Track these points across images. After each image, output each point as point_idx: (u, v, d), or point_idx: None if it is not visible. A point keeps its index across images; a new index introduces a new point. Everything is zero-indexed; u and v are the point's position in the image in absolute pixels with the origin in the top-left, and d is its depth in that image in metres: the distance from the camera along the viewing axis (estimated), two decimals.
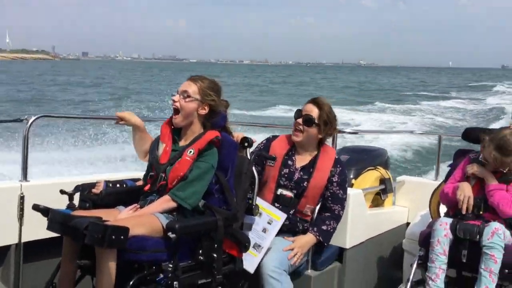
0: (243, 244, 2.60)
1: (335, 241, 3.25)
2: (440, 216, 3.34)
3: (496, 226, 2.77)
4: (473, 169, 3.08)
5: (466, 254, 2.80)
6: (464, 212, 2.98)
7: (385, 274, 3.92)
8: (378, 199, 4.16)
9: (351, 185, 3.94)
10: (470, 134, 3.37)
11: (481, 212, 3.00)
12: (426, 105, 30.47)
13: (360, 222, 3.54)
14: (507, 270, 2.75)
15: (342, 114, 22.64)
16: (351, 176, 4.23)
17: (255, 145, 3.07)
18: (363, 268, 3.67)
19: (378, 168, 4.18)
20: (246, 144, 2.82)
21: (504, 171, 3.01)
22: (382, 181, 4.08)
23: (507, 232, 2.85)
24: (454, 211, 3.11)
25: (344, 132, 3.89)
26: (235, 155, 2.64)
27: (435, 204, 3.50)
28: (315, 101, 3.10)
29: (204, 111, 2.59)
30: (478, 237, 2.78)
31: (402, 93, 42.61)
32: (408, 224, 4.10)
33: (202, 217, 2.45)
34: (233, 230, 2.55)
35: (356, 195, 3.48)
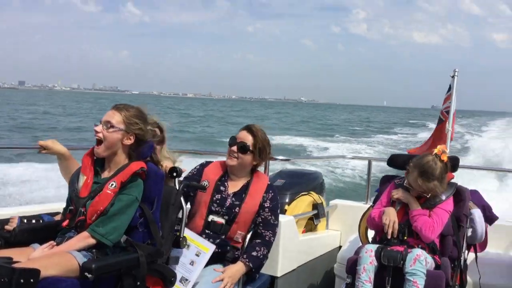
0: (169, 279, 2.51)
1: (266, 269, 3.22)
2: (368, 240, 3.42)
3: (418, 252, 2.85)
4: (398, 194, 3.18)
5: (390, 281, 2.86)
6: (389, 237, 3.05)
7: None
8: (311, 223, 4.20)
9: (284, 211, 3.95)
10: (395, 160, 3.48)
11: (405, 237, 3.09)
12: (381, 137, 34.28)
13: (292, 249, 3.55)
14: None
15: (313, 143, 26.61)
16: (286, 200, 4.26)
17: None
18: None
19: (311, 193, 4.23)
20: (174, 174, 2.75)
21: (428, 196, 3.12)
22: (315, 206, 4.13)
23: (429, 258, 2.94)
24: (380, 235, 3.18)
25: (276, 159, 3.92)
26: (162, 186, 2.56)
27: (364, 228, 3.58)
28: (249, 128, 3.09)
29: (129, 141, 2.50)
30: (401, 263, 2.85)
31: (354, 128, 46.60)
32: (340, 247, 4.16)
33: (122, 254, 2.34)
34: (158, 265, 2.46)
35: (288, 221, 3.49)
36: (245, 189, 3.07)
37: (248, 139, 3.04)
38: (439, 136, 4.57)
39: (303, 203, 4.07)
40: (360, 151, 23.69)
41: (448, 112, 4.38)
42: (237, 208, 3.00)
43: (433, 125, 4.51)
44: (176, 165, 2.90)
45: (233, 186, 3.09)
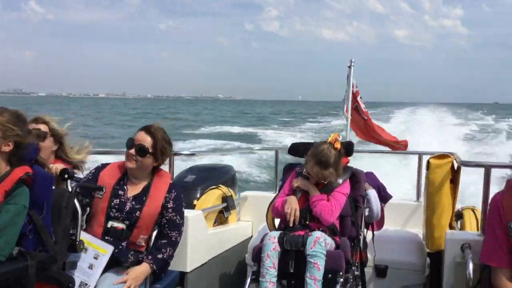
0: (66, 286, 2.41)
1: (175, 266, 3.20)
2: (276, 228, 3.51)
3: (317, 235, 2.97)
4: (297, 182, 3.29)
5: (293, 264, 2.96)
6: (291, 224, 3.16)
7: None
8: (222, 216, 4.23)
9: (193, 206, 3.95)
10: (296, 149, 3.59)
11: (307, 222, 3.21)
12: (309, 125, 36.92)
13: (201, 243, 3.56)
14: (330, 275, 2.96)
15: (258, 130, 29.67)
16: (198, 196, 4.25)
17: None
18: None
19: (220, 186, 4.26)
20: (66, 176, 2.64)
21: (325, 183, 3.26)
22: (224, 199, 4.17)
23: (329, 239, 3.08)
24: (284, 223, 3.28)
25: (181, 154, 3.89)
26: (50, 190, 2.45)
27: (271, 217, 3.66)
28: (147, 130, 2.98)
29: (8, 148, 2.35)
30: (302, 246, 2.96)
31: (283, 119, 48.95)
32: (252, 237, 4.24)
33: (9, 264, 2.21)
34: (53, 272, 2.36)
35: (196, 216, 3.49)
36: (145, 191, 2.98)
37: (147, 140, 2.93)
38: (357, 120, 4.88)
39: (212, 197, 4.09)
40: (301, 139, 25.02)
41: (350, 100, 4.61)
42: (138, 212, 2.92)
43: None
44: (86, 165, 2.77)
45: (133, 189, 2.99)
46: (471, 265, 2.72)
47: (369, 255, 3.63)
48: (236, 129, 34.59)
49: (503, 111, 76.65)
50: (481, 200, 2.98)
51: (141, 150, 2.91)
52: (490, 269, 2.52)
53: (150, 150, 2.93)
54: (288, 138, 26.22)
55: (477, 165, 3.10)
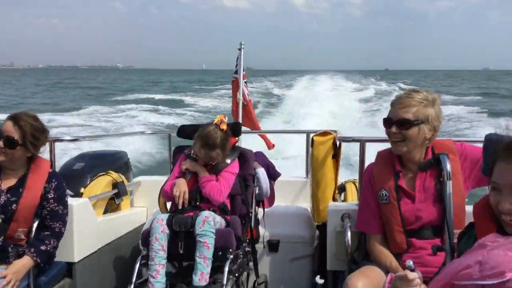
0: None
1: (61, 256, 3.07)
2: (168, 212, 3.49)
3: (206, 214, 3.00)
4: (186, 165, 3.29)
5: (183, 245, 2.97)
6: (180, 206, 3.16)
7: (125, 278, 3.90)
8: (113, 204, 4.11)
9: (81, 194, 3.79)
10: (184, 131, 3.58)
11: (198, 203, 3.23)
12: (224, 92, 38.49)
13: (90, 231, 3.43)
14: (220, 252, 3.02)
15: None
16: (87, 184, 4.08)
17: None
18: (99, 278, 3.58)
19: (110, 172, 4.13)
20: None
21: (213, 164, 3.30)
22: (115, 185, 4.05)
23: (218, 218, 3.12)
24: (175, 206, 3.27)
25: (62, 140, 3.70)
26: None
27: (163, 201, 3.63)
28: (14, 119, 2.79)
29: None
30: (191, 227, 2.97)
31: (201, 87, 51.99)
32: None
33: None
34: None
35: (81, 204, 3.36)
36: (21, 182, 2.82)
37: (15, 131, 2.76)
38: (236, 103, 4.90)
39: (101, 184, 3.95)
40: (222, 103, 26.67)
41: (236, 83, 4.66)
42: (14, 204, 2.75)
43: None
44: None
45: (7, 181, 2.82)
46: (349, 233, 2.92)
47: (261, 231, 3.75)
48: (159, 96, 35.88)
49: (392, 76, 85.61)
50: (358, 172, 3.20)
51: (10, 142, 2.74)
52: (365, 235, 2.73)
53: (20, 142, 2.76)
54: (210, 102, 29.34)
55: (354, 140, 3.32)
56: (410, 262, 1.82)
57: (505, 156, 1.55)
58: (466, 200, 2.49)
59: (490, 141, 1.83)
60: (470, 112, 23.64)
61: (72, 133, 15.69)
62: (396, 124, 2.50)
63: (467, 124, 19.67)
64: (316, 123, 17.12)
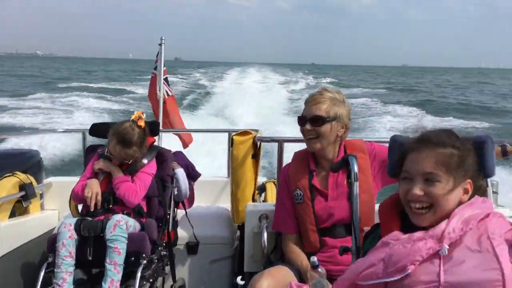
0: None
1: None
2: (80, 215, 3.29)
3: (117, 218, 2.86)
4: (99, 164, 3.13)
5: (92, 251, 2.81)
6: (92, 209, 2.99)
7: (32, 287, 3.65)
8: (21, 207, 3.83)
9: None
10: (96, 129, 3.40)
11: (111, 206, 3.08)
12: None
13: None
14: (133, 258, 2.89)
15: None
16: None
17: None
18: (1, 287, 3.31)
19: (16, 173, 3.83)
20: None
21: (129, 163, 3.16)
22: (22, 187, 3.76)
23: (131, 221, 2.99)
24: (86, 209, 3.10)
25: None
26: None
27: (74, 204, 3.43)
28: None
29: None
30: (102, 232, 2.82)
31: (134, 76, 49.68)
32: None
33: None
34: None
35: None
36: None
37: None
38: (153, 98, 4.74)
39: (6, 186, 3.65)
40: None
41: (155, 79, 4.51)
42: None
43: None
44: None
45: None
46: (265, 234, 2.90)
47: (181, 233, 3.64)
48: (100, 85, 34.73)
49: (319, 70, 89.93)
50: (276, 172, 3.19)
51: None
52: (282, 236, 2.73)
53: None
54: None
55: (272, 140, 3.31)
56: (314, 258, 1.86)
57: (416, 147, 1.68)
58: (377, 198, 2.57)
59: (395, 141, 2.04)
60: (371, 102, 27.69)
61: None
62: (310, 121, 2.54)
63: (368, 112, 22.91)
64: (244, 117, 17.24)
